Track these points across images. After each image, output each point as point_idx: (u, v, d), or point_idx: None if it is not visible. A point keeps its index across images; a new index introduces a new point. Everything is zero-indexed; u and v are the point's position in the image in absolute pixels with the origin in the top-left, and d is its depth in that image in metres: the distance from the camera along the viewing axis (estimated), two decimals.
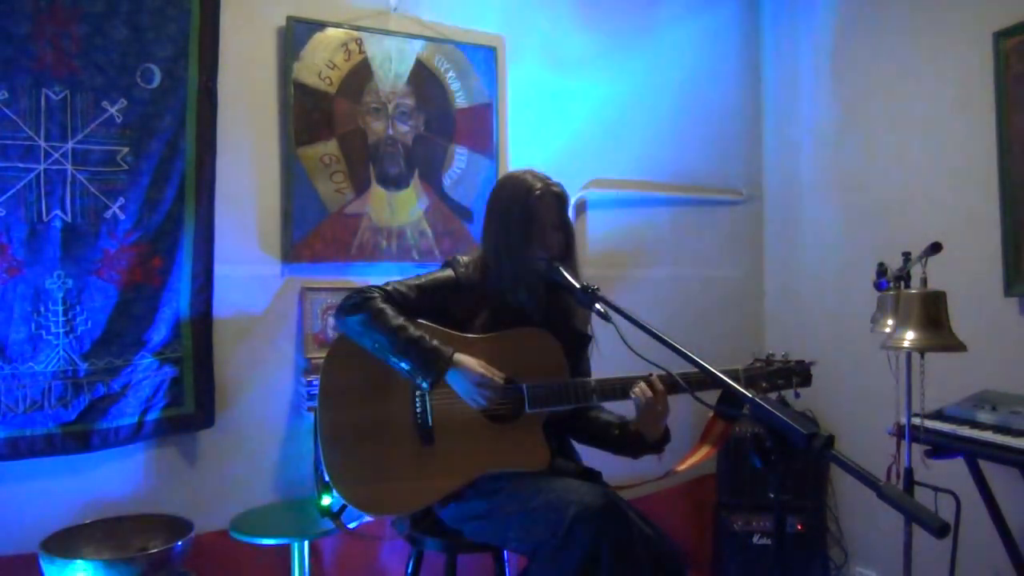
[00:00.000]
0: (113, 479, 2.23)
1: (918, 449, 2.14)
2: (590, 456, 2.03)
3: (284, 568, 2.36)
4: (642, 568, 1.62)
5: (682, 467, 1.82)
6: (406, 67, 2.66)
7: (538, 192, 1.87)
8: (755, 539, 2.94)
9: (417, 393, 1.82)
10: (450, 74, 2.74)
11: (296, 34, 2.47)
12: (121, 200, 2.19)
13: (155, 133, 2.22)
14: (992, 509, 2.25)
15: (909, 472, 2.12)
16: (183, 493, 2.31)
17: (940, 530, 1.03)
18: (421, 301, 1.86)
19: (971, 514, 2.25)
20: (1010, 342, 2.47)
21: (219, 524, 2.26)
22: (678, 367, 1.66)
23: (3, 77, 2.03)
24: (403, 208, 2.66)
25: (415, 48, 2.67)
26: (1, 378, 2.04)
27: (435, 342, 1.76)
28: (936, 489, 2.19)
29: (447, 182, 2.74)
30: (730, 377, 1.42)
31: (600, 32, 3.09)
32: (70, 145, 2.12)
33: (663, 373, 1.78)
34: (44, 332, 2.09)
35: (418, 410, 1.82)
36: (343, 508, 1.93)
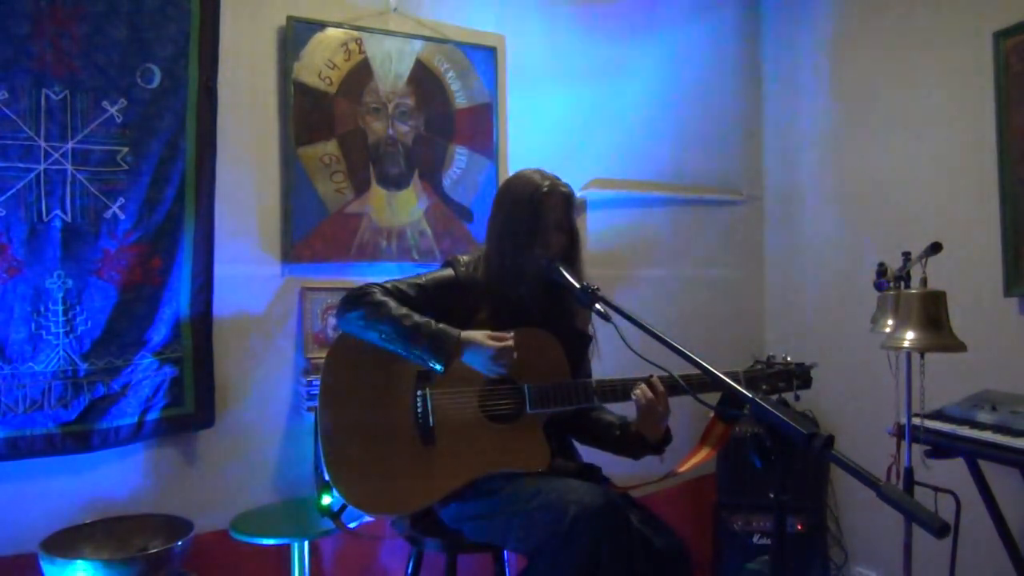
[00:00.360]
0: (113, 479, 2.23)
1: (918, 449, 2.14)
2: (590, 456, 2.03)
3: (284, 568, 2.37)
4: (641, 569, 1.62)
5: (682, 468, 1.83)
6: (406, 67, 2.66)
7: (545, 190, 1.87)
8: (755, 539, 2.94)
9: (419, 392, 1.82)
10: (450, 74, 2.74)
11: (296, 34, 2.47)
12: (121, 200, 2.19)
13: (155, 133, 2.22)
14: (992, 509, 2.25)
15: (909, 472, 2.12)
16: (183, 493, 2.31)
17: (940, 530, 1.03)
18: (421, 300, 1.85)
19: (971, 514, 2.25)
20: (1010, 342, 2.47)
21: (219, 524, 2.26)
22: (678, 368, 1.66)
23: (3, 77, 2.02)
24: (403, 208, 2.66)
25: (415, 48, 2.67)
26: (1, 378, 2.04)
27: (441, 325, 1.76)
28: (936, 489, 2.19)
29: (447, 182, 2.74)
30: (730, 378, 1.42)
31: (600, 32, 3.09)
32: (70, 145, 2.12)
33: (664, 374, 1.78)
34: (44, 332, 2.09)
35: (419, 410, 1.82)
36: (343, 508, 1.92)
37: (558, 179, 1.91)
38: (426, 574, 1.96)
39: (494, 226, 1.94)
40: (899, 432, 2.17)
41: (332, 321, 2.47)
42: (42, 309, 2.09)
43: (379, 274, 2.53)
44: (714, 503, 3.06)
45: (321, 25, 2.51)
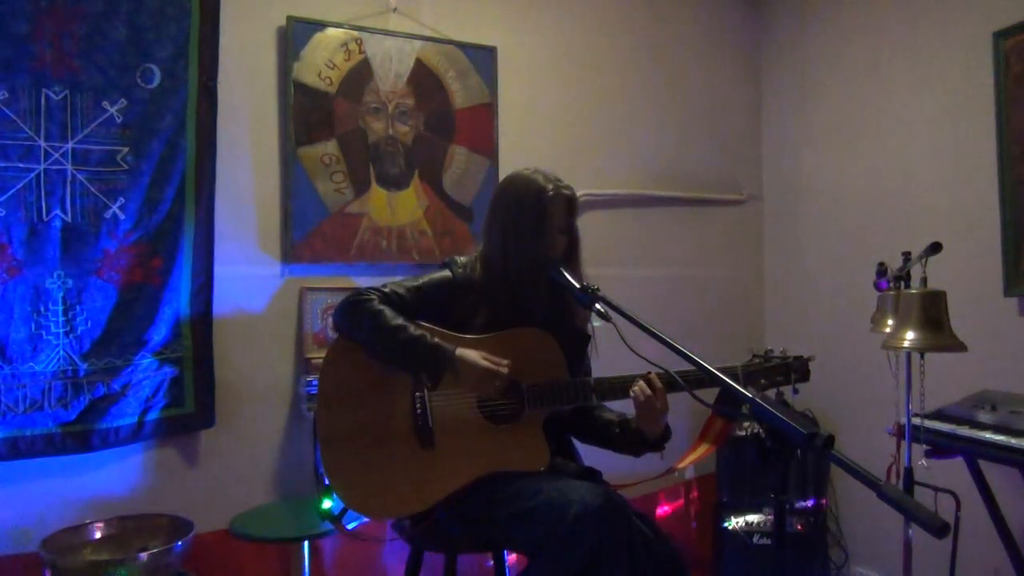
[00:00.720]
0: (113, 479, 2.23)
1: (918, 449, 2.14)
2: (590, 454, 2.03)
3: (284, 568, 2.37)
4: (642, 568, 1.62)
5: (682, 464, 1.82)
6: (406, 67, 2.66)
7: (550, 193, 1.86)
8: (755, 539, 2.94)
9: (417, 395, 1.82)
10: (450, 74, 2.74)
11: (296, 34, 2.47)
12: (121, 200, 2.19)
13: (155, 133, 2.22)
14: (992, 509, 2.25)
15: (909, 472, 2.12)
16: (183, 493, 2.31)
17: (940, 530, 1.03)
18: (419, 302, 1.85)
19: (971, 514, 2.25)
20: (1010, 342, 2.47)
21: (219, 524, 2.26)
22: (678, 366, 1.66)
23: (3, 77, 2.03)
24: (403, 208, 2.66)
25: (415, 48, 2.67)
26: (1, 378, 2.04)
27: (436, 339, 1.77)
28: (936, 489, 2.19)
29: (447, 182, 2.74)
30: (729, 375, 1.42)
31: (600, 32, 3.09)
32: (70, 145, 2.12)
33: (661, 371, 1.78)
34: (44, 332, 2.09)
35: (418, 412, 1.82)
36: (344, 511, 1.92)
37: (560, 180, 1.91)
38: (426, 574, 1.96)
39: (494, 227, 1.93)
40: (899, 432, 2.17)
41: (332, 322, 2.47)
42: (42, 309, 2.09)
43: (379, 274, 2.54)
44: (714, 503, 3.06)
45: (321, 25, 2.51)
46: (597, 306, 1.68)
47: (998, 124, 2.49)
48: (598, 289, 1.72)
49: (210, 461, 2.37)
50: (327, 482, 1.77)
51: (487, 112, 2.80)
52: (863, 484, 1.10)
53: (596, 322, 1.70)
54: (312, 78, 2.50)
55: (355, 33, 2.57)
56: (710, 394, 1.60)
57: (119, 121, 2.17)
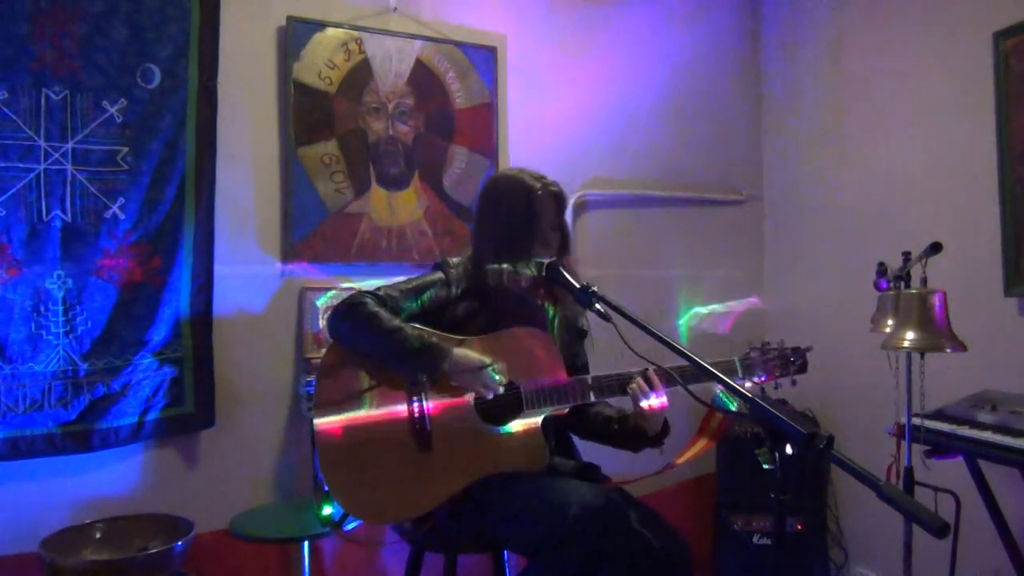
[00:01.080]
0: (113, 479, 2.23)
1: (918, 449, 2.14)
2: (590, 452, 2.03)
3: (284, 568, 2.37)
4: (642, 568, 1.62)
5: (681, 460, 1.82)
6: (406, 67, 2.66)
7: (538, 192, 1.87)
8: (755, 539, 2.94)
9: (414, 398, 1.82)
10: (450, 74, 2.74)
11: (296, 34, 2.47)
12: (121, 200, 2.19)
13: (155, 133, 2.22)
14: (992, 509, 2.25)
15: (909, 472, 2.12)
16: (183, 493, 2.31)
17: (940, 530, 1.03)
18: (413, 306, 1.85)
19: (971, 514, 2.25)
20: (1010, 342, 2.47)
21: (219, 524, 2.26)
22: (677, 364, 1.66)
23: (3, 77, 2.03)
24: (403, 208, 2.66)
25: (415, 48, 2.67)
26: (1, 378, 2.04)
27: (433, 340, 1.77)
28: (936, 489, 2.19)
29: (447, 182, 2.74)
30: (726, 367, 1.42)
31: (600, 32, 3.09)
32: (70, 145, 2.12)
33: (659, 368, 1.79)
34: (44, 332, 2.09)
35: (416, 415, 1.82)
36: (344, 517, 1.92)
37: (546, 178, 1.91)
38: (426, 574, 1.96)
39: (485, 228, 1.94)
40: (899, 432, 2.17)
41: (327, 327, 2.47)
42: (42, 309, 2.09)
43: (379, 274, 2.54)
44: (714, 503, 3.06)
45: (321, 25, 2.51)
46: (597, 306, 1.69)
47: (998, 124, 2.49)
48: (597, 288, 1.72)
49: (210, 461, 2.37)
50: (326, 488, 1.77)
51: (487, 112, 2.80)
52: (863, 484, 1.10)
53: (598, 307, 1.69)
54: (312, 78, 2.50)
55: (355, 33, 2.57)
56: (708, 389, 1.60)
57: (119, 121, 2.18)
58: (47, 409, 2.08)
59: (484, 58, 2.79)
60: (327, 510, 2.02)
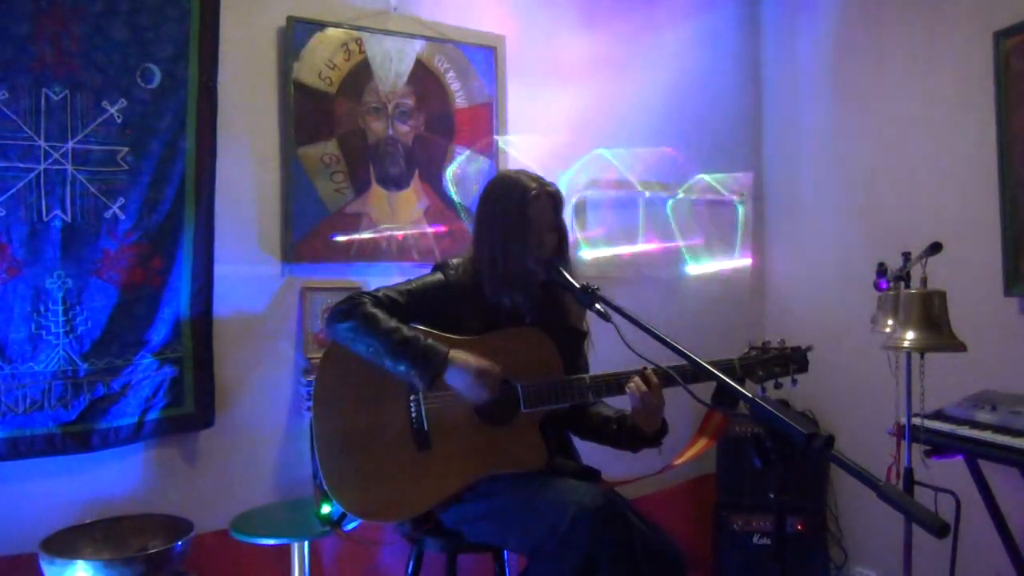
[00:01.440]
0: (113, 479, 2.23)
1: (918, 449, 2.14)
2: (589, 452, 2.03)
3: (284, 568, 2.36)
4: (641, 568, 1.62)
5: (680, 460, 1.82)
6: (406, 67, 2.66)
7: (534, 193, 1.87)
8: (755, 539, 2.94)
9: (412, 398, 1.82)
10: (450, 74, 2.74)
11: (296, 34, 2.47)
12: (121, 200, 2.19)
13: (155, 133, 2.22)
14: (992, 509, 2.25)
15: (909, 472, 2.12)
16: (183, 493, 2.31)
17: (940, 530, 1.03)
18: (412, 305, 1.85)
19: (971, 514, 2.25)
20: (1010, 342, 2.47)
21: (219, 524, 2.26)
22: (677, 363, 1.67)
23: (3, 77, 2.03)
24: (403, 208, 2.66)
25: (415, 48, 2.67)
26: (1, 378, 2.04)
27: (429, 341, 1.77)
28: (936, 489, 2.19)
29: (447, 182, 2.74)
30: (726, 367, 1.42)
31: (600, 31, 3.09)
32: (70, 145, 2.12)
33: (657, 367, 1.79)
34: (44, 332, 2.09)
35: (413, 415, 1.82)
36: (343, 516, 1.93)
37: (543, 179, 1.92)
38: (426, 574, 1.96)
39: (483, 230, 1.94)
40: (899, 432, 2.17)
41: (325, 327, 2.47)
42: (42, 309, 2.09)
43: (379, 274, 2.54)
44: (714, 503, 3.06)
45: (321, 25, 2.51)
46: (597, 306, 1.69)
47: (998, 124, 2.49)
48: (598, 289, 1.73)
49: (210, 461, 2.37)
50: (325, 487, 1.77)
51: (487, 112, 2.80)
52: (863, 484, 1.10)
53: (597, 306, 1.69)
54: (312, 78, 2.50)
55: (355, 33, 2.57)
56: (707, 388, 1.60)
57: (119, 121, 2.17)
58: (47, 409, 2.08)
59: (484, 58, 2.79)
60: (326, 509, 2.02)
